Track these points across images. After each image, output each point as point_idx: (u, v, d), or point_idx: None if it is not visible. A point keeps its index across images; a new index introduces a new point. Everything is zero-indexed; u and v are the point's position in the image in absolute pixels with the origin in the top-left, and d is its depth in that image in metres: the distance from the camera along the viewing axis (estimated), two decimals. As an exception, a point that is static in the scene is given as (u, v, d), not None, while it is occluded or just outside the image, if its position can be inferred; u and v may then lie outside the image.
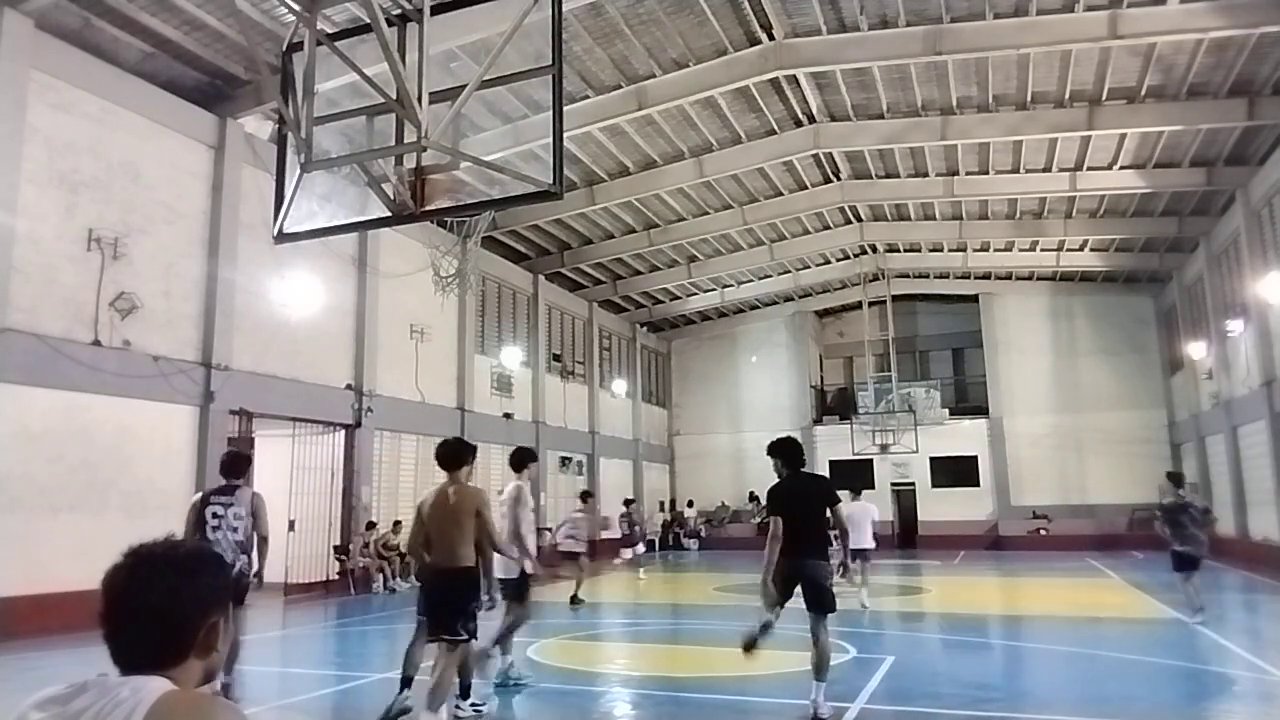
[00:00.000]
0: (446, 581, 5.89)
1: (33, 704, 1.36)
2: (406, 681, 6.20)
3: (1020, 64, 15.14)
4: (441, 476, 6.19)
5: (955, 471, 28.48)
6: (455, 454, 6.13)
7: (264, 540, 6.92)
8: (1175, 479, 11.47)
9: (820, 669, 6.16)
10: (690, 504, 30.10)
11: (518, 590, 7.37)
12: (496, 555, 6.52)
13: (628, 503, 23.86)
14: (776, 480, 6.61)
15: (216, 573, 1.51)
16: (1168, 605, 12.06)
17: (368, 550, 16.18)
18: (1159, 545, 12.05)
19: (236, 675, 6.93)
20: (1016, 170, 19.49)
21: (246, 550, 6.79)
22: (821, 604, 6.22)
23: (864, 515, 12.55)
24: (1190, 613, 10.73)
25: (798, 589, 6.30)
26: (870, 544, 12.69)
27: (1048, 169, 19.17)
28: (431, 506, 6.02)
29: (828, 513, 6.48)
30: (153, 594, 1.40)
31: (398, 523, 16.97)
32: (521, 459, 7.81)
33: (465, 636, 5.87)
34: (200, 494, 7.22)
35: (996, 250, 25.69)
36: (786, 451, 6.59)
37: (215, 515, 6.77)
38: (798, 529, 6.32)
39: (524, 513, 7.33)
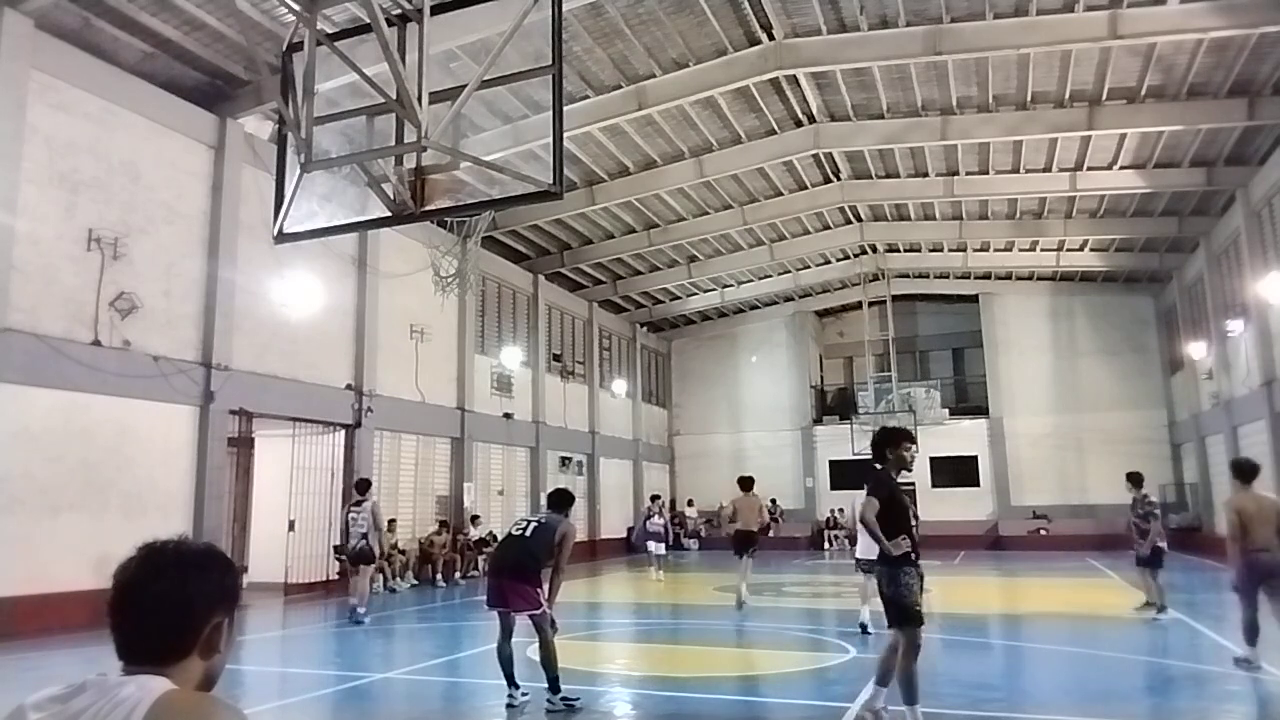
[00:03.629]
0: (750, 537, 12.99)
1: (32, 704, 1.36)
2: (510, 679, 6.81)
3: (1020, 64, 15.14)
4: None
5: (955, 471, 28.47)
6: (750, 481, 13.00)
7: (377, 529, 11.97)
8: (1135, 480, 11.91)
9: (878, 671, 6.09)
10: (690, 503, 30.07)
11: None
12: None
13: (655, 498, 22.81)
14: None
15: (225, 572, 1.52)
16: (1168, 606, 12.03)
17: (368, 550, 16.19)
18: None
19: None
20: (1016, 170, 19.49)
21: (367, 538, 11.73)
22: (887, 616, 6.13)
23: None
24: (1156, 610, 11.11)
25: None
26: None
27: (1048, 169, 19.17)
28: (736, 507, 13.03)
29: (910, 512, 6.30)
30: (160, 584, 1.42)
31: (392, 521, 16.96)
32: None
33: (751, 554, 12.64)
34: (345, 506, 12.68)
35: (996, 250, 25.68)
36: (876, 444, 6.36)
37: (350, 519, 11.94)
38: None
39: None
